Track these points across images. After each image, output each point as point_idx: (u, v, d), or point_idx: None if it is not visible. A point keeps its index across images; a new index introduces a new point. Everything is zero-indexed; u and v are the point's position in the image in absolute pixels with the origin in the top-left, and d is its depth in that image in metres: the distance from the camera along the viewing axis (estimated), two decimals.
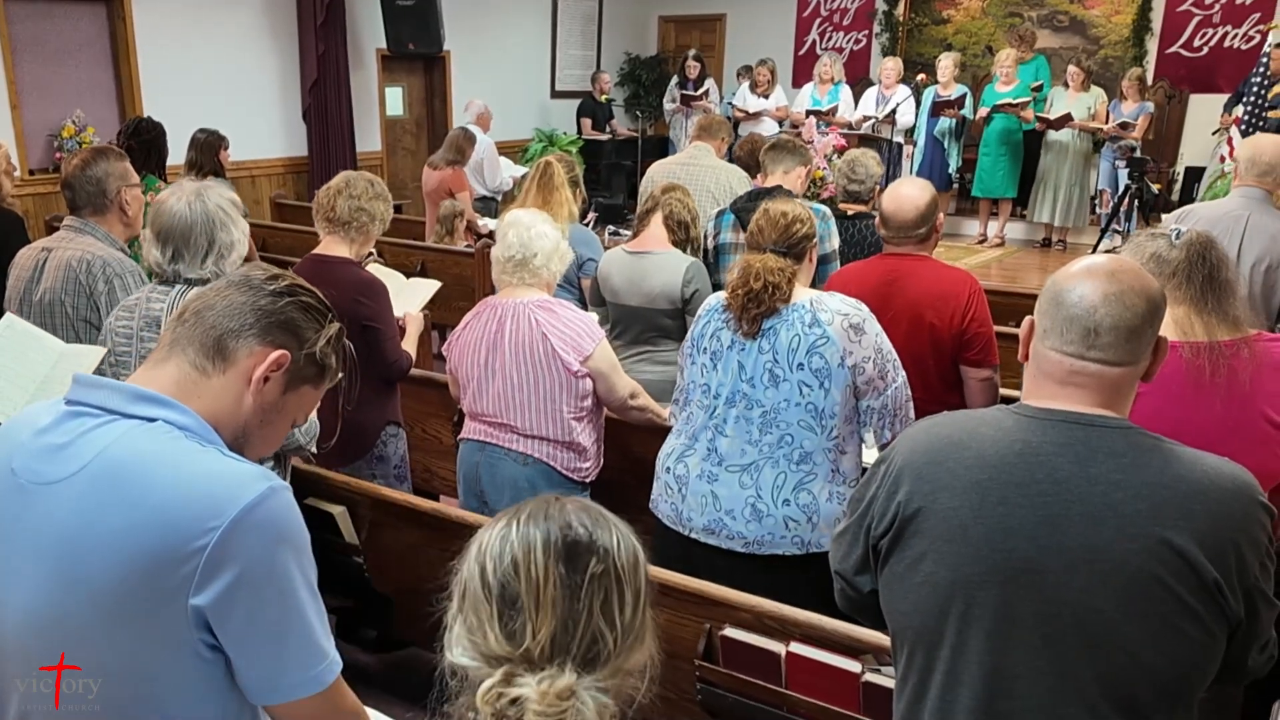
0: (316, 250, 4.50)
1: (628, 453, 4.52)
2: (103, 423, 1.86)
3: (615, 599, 1.54)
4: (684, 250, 5.08)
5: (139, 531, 1.75)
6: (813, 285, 3.87)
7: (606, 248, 5.62)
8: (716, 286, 4.95)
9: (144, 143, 7.29)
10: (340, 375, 2.17)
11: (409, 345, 4.66)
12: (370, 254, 4.60)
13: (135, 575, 1.75)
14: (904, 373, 3.63)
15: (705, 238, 5.74)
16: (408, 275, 5.34)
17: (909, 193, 4.38)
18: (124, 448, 1.82)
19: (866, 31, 15.82)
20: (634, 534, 1.68)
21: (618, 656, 1.53)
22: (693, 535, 3.66)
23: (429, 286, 5.29)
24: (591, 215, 11.55)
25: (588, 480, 4.23)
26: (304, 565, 1.88)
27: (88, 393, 1.91)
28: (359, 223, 4.42)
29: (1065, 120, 12.43)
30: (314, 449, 3.49)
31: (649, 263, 4.99)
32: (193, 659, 1.81)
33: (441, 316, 5.47)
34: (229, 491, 1.79)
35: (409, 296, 4.96)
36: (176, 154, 8.20)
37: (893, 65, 13.05)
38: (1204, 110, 13.20)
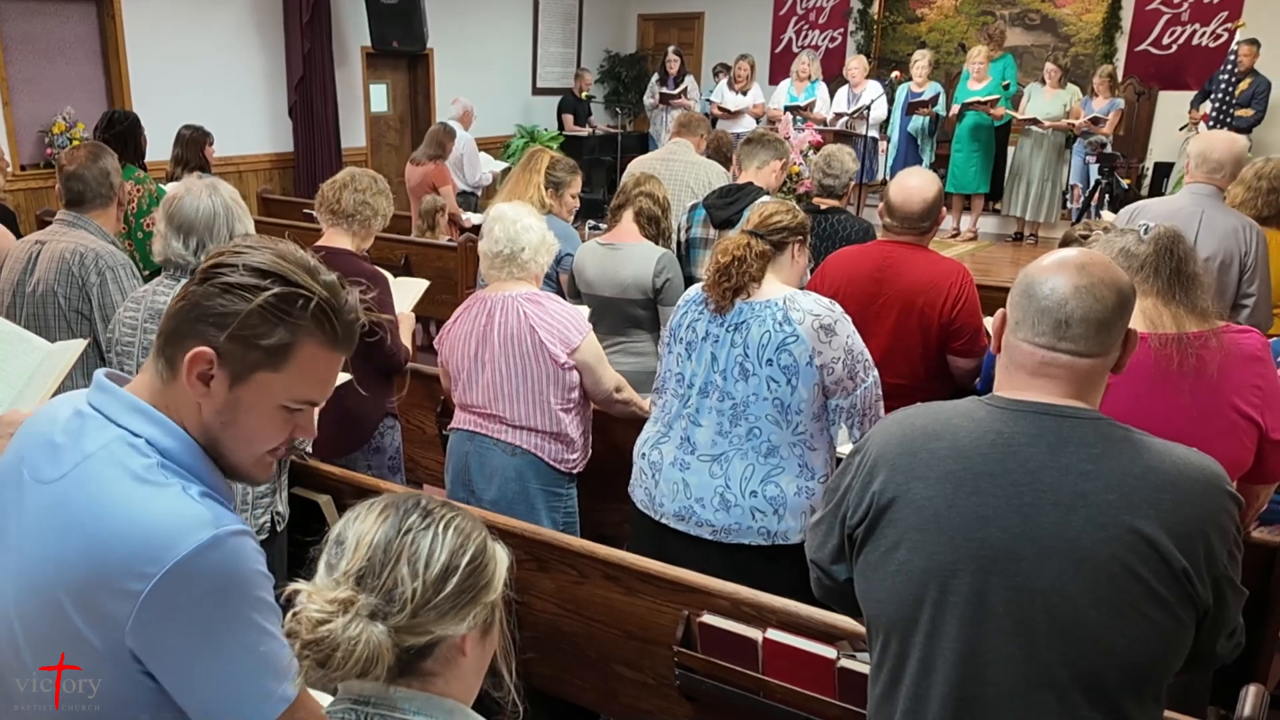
0: (319, 242, 4.53)
1: (613, 444, 4.52)
2: (97, 428, 1.85)
3: (425, 553, 1.60)
4: (656, 243, 5.12)
5: (77, 559, 1.74)
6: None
7: (584, 242, 5.62)
8: (688, 280, 5.04)
9: (118, 135, 7.36)
10: (335, 329, 1.91)
11: (402, 340, 4.66)
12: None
13: (73, 598, 1.74)
14: (875, 372, 3.65)
15: (678, 230, 5.78)
16: (394, 274, 5.46)
17: (917, 184, 4.44)
18: (94, 465, 1.80)
19: (842, 30, 15.95)
20: (498, 545, 1.74)
21: (420, 609, 1.57)
22: (664, 520, 3.72)
23: (418, 286, 5.35)
24: None
25: (575, 471, 4.27)
26: (247, 610, 1.79)
27: (97, 395, 1.90)
28: (362, 216, 4.53)
29: (1034, 122, 12.61)
30: (308, 449, 3.56)
31: (621, 254, 5.04)
32: (141, 684, 1.79)
33: (425, 310, 5.54)
34: (169, 538, 1.72)
35: (399, 295, 4.96)
36: (164, 150, 8.33)
37: (857, 65, 13.15)
38: (1173, 107, 13.35)
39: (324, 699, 1.87)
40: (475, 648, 1.68)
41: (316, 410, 2.00)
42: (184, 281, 3.49)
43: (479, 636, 1.68)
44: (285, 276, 1.86)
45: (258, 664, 1.80)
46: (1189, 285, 3.09)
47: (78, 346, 3.45)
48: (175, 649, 1.76)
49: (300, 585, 1.61)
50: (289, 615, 1.60)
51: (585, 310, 4.45)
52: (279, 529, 3.66)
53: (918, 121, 13.09)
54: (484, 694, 1.80)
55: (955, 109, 13.01)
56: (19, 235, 5.49)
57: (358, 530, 1.63)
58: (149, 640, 1.74)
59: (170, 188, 3.63)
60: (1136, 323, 2.24)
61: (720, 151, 7.00)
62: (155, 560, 1.70)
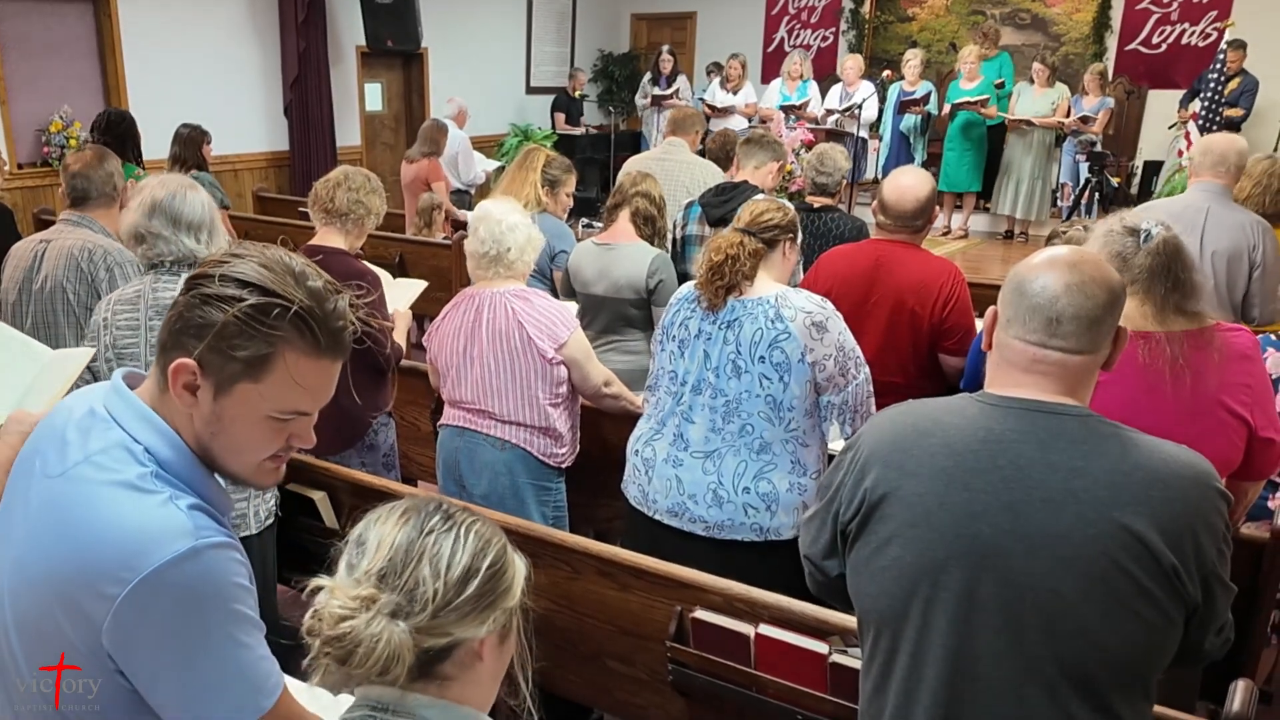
0: (312, 241, 4.56)
1: (603, 439, 4.55)
2: (103, 430, 1.86)
3: (446, 554, 1.61)
4: (651, 243, 5.14)
5: (63, 559, 1.76)
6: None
7: (579, 240, 5.65)
8: (683, 276, 5.04)
9: (118, 136, 7.40)
10: (317, 337, 1.88)
11: (396, 338, 4.72)
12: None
13: (58, 597, 1.76)
14: (867, 369, 3.65)
15: (674, 228, 5.82)
16: (390, 272, 5.47)
17: (910, 183, 4.47)
18: (90, 468, 1.81)
19: (833, 29, 16.01)
20: (515, 552, 1.75)
21: (441, 610, 1.58)
22: (657, 517, 3.74)
23: (416, 286, 5.37)
24: None
25: (564, 466, 4.30)
26: (222, 622, 1.80)
27: (111, 396, 1.91)
28: (356, 215, 4.54)
29: (1026, 122, 12.66)
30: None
31: (616, 254, 5.05)
32: (121, 686, 1.80)
33: (420, 307, 5.54)
34: (148, 546, 1.73)
35: (397, 294, 5.03)
36: (160, 148, 8.35)
37: (853, 64, 13.14)
38: (1162, 106, 13.41)
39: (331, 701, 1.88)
40: (493, 653, 1.68)
41: (314, 418, 1.99)
42: (185, 276, 3.56)
43: (497, 642, 1.68)
44: (263, 286, 1.83)
45: (230, 676, 1.81)
46: (1184, 296, 3.08)
47: (84, 354, 3.44)
48: (148, 655, 1.77)
49: (323, 581, 1.62)
50: (309, 614, 1.60)
51: (573, 306, 4.46)
52: (278, 514, 3.74)
53: (909, 120, 13.11)
54: (499, 701, 1.81)
55: (947, 108, 13.05)
56: (17, 234, 5.51)
57: (379, 531, 1.64)
58: (123, 644, 1.75)
59: (165, 190, 3.64)
60: (1125, 323, 2.21)
61: (725, 150, 6.98)
62: (132, 566, 1.71)
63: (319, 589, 1.61)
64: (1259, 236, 5.01)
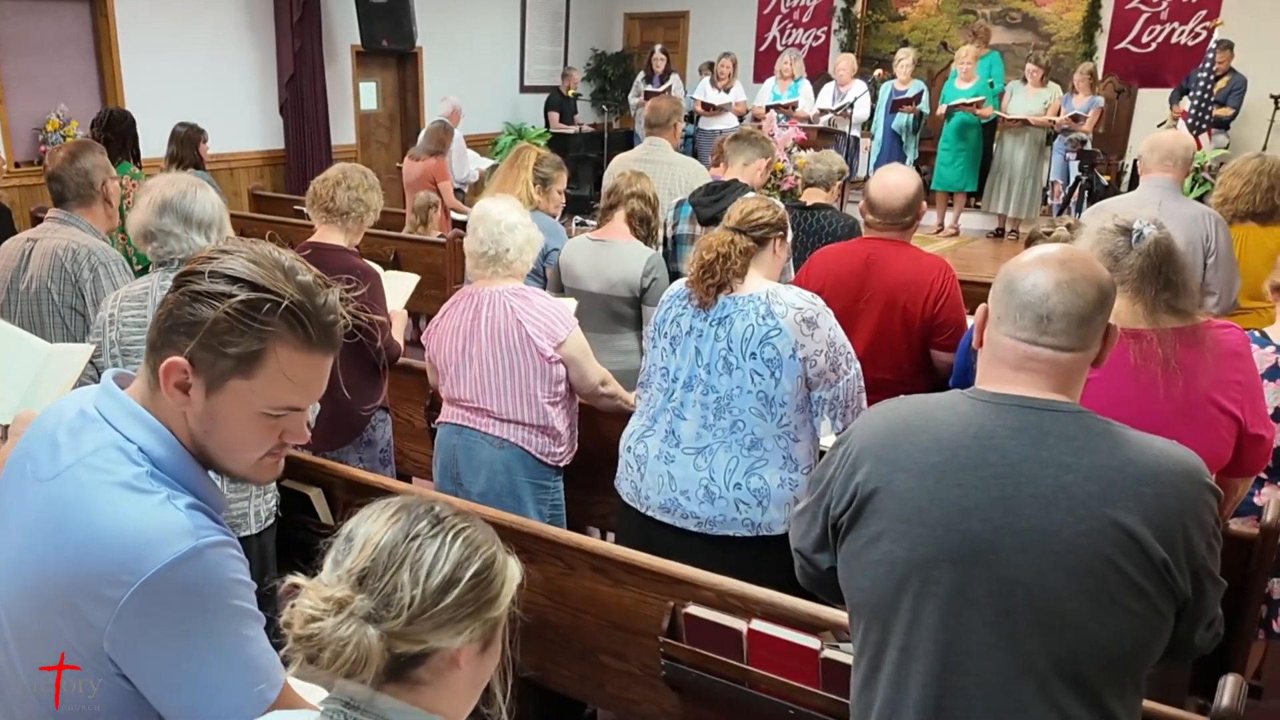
0: (311, 239, 4.59)
1: (600, 437, 4.54)
2: (95, 431, 1.84)
3: (429, 561, 1.58)
4: (645, 243, 5.16)
5: (60, 561, 1.74)
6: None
7: (572, 238, 5.63)
8: (674, 275, 5.04)
9: (119, 134, 7.39)
10: (309, 331, 1.86)
11: (394, 337, 4.73)
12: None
13: (56, 600, 1.74)
14: (857, 364, 3.66)
15: (665, 228, 5.78)
16: (384, 267, 5.49)
17: (896, 181, 4.49)
18: (84, 469, 1.80)
19: (825, 28, 16.06)
20: (510, 560, 1.70)
21: (416, 618, 1.55)
22: (649, 513, 3.75)
23: (409, 281, 5.36)
24: None
25: (561, 464, 4.31)
26: (225, 619, 1.80)
27: (103, 397, 1.89)
28: (356, 213, 4.57)
29: (1022, 121, 12.72)
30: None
31: (611, 251, 5.08)
32: (120, 688, 1.79)
33: (415, 305, 5.57)
34: (149, 547, 1.72)
35: (391, 286, 5.00)
36: (156, 147, 8.36)
37: (846, 63, 13.17)
38: (1152, 104, 13.46)
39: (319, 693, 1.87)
40: (471, 662, 1.64)
41: (307, 414, 1.96)
42: None
43: (476, 651, 1.65)
44: (254, 282, 1.81)
45: (237, 670, 1.81)
46: (1175, 295, 3.09)
47: (85, 352, 3.43)
48: (152, 656, 1.76)
49: (299, 580, 1.60)
50: (288, 606, 1.58)
51: (572, 304, 4.46)
52: (278, 514, 3.74)
53: (902, 119, 13.13)
54: (475, 709, 1.75)
55: (942, 109, 13.08)
56: (14, 232, 5.51)
57: (367, 530, 1.61)
58: (126, 647, 1.74)
59: (173, 189, 3.64)
60: (1116, 321, 2.21)
61: None
62: (134, 569, 1.70)
63: (297, 586, 1.60)
64: (1211, 227, 5.08)
